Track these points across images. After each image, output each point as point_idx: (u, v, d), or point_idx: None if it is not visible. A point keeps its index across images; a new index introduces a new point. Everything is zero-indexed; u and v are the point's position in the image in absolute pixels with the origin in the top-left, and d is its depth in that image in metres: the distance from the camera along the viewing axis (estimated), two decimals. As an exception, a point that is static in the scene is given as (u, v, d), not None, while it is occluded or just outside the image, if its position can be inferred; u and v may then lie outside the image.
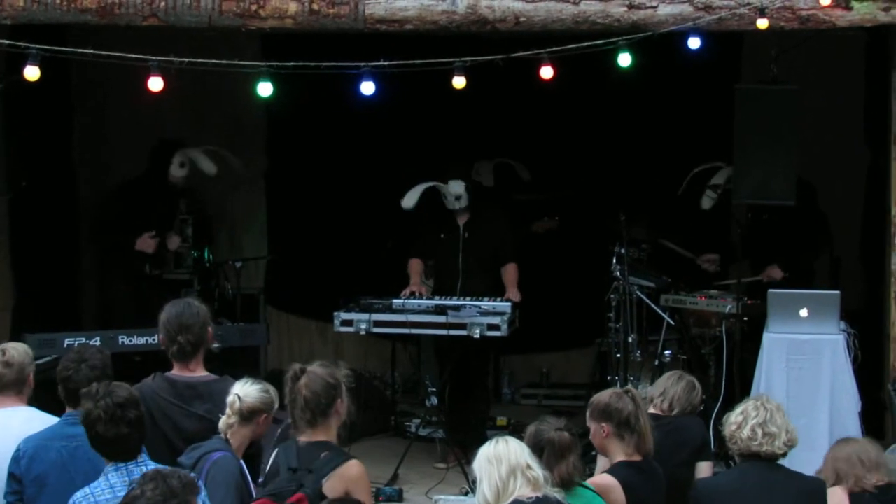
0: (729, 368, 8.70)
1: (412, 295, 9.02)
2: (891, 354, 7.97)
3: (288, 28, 7.92)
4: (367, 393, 9.58)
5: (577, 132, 10.90)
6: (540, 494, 4.87)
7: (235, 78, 7.76)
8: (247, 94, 7.96)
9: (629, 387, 6.12)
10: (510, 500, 4.85)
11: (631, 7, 7.75)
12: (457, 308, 8.63)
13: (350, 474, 5.28)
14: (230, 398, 5.54)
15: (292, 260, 11.23)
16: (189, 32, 8.17)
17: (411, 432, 9.40)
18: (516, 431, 9.11)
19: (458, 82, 7.45)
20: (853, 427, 7.72)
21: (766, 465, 5.58)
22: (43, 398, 6.03)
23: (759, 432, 5.56)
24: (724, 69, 9.98)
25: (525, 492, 4.86)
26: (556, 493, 4.97)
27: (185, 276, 10.03)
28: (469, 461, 6.24)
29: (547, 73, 7.56)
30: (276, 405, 5.63)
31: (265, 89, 7.55)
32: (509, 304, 8.81)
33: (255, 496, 5.37)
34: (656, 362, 9.10)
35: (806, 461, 6.15)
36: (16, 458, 5.53)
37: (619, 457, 5.80)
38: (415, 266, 9.35)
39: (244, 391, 5.57)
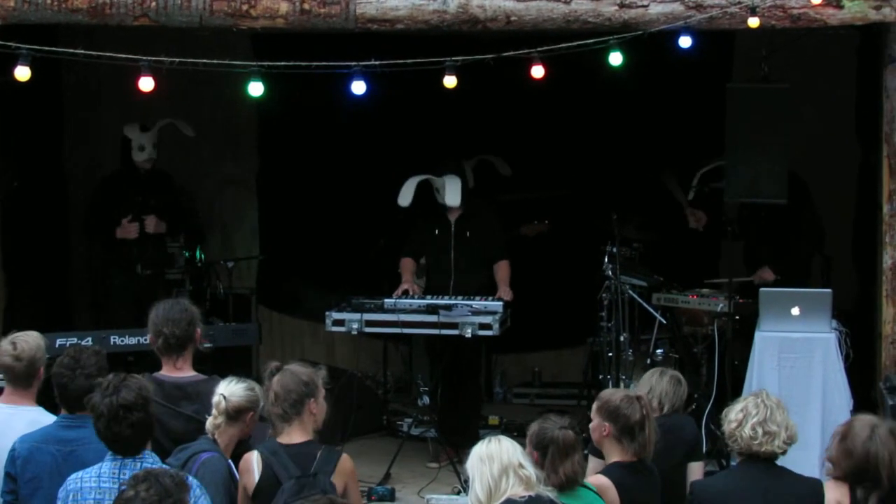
0: (721, 367, 8.71)
1: (405, 293, 9.01)
2: (882, 353, 7.98)
3: (279, 28, 7.92)
4: (359, 392, 9.59)
5: (568, 131, 10.88)
6: (532, 493, 4.87)
7: (227, 78, 7.75)
8: (238, 94, 7.94)
9: (643, 394, 6.00)
10: (502, 499, 4.85)
11: (622, 6, 7.75)
12: (448, 307, 8.60)
13: (347, 468, 5.43)
14: (216, 398, 5.54)
15: (284, 260, 11.23)
16: (180, 32, 8.17)
17: (403, 431, 9.40)
18: (508, 430, 9.15)
19: (450, 82, 7.45)
20: (844, 425, 7.71)
21: (764, 467, 5.54)
22: (41, 398, 6.01)
23: (760, 431, 5.52)
24: (716, 68, 9.98)
25: (517, 491, 4.86)
26: (548, 492, 4.97)
27: (177, 275, 10.03)
28: (461, 460, 6.23)
29: (538, 72, 7.55)
30: (262, 403, 5.61)
31: (256, 89, 7.53)
32: (501, 303, 8.80)
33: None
34: (648, 361, 9.07)
35: (798, 459, 6.13)
36: (11, 458, 5.53)
37: (615, 458, 5.77)
38: (407, 265, 9.34)
39: (229, 390, 5.57)
